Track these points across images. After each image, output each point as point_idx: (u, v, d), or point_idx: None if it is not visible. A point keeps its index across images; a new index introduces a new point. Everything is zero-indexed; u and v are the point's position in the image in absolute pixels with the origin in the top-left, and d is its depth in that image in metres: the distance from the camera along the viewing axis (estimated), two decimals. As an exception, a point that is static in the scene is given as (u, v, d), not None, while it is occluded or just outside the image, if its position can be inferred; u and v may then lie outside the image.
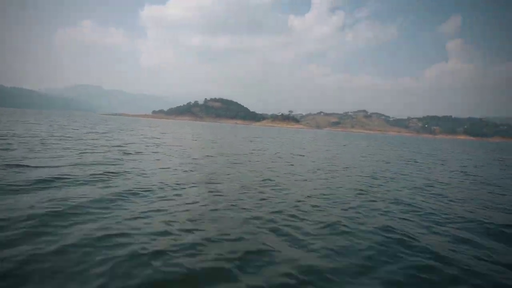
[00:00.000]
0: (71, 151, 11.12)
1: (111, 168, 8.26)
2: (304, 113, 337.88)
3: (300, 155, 16.88)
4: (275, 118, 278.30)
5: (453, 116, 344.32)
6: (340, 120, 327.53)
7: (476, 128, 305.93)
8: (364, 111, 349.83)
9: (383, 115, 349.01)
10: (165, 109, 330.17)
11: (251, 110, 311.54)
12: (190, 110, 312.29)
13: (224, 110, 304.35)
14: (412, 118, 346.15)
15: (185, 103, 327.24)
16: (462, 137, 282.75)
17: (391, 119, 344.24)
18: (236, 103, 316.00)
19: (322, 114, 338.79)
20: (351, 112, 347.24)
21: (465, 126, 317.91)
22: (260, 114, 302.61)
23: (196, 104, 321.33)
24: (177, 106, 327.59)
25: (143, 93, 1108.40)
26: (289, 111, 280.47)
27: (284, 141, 32.19)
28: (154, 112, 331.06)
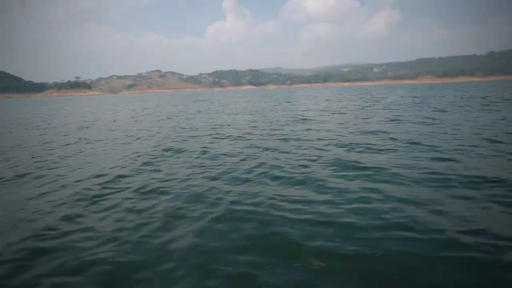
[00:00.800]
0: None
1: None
2: (94, 78, 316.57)
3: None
4: (61, 86, 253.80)
5: (236, 69, 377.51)
6: (135, 82, 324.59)
7: (256, 78, 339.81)
8: (158, 70, 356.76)
9: (177, 73, 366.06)
10: None
11: (27, 80, 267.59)
12: None
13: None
14: (204, 74, 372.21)
15: None
16: (246, 87, 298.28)
17: (185, 76, 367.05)
18: (3, 72, 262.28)
19: (114, 77, 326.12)
20: (145, 73, 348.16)
21: (248, 77, 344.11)
22: (40, 84, 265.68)
23: None
24: None
25: None
26: (76, 77, 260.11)
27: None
28: None
